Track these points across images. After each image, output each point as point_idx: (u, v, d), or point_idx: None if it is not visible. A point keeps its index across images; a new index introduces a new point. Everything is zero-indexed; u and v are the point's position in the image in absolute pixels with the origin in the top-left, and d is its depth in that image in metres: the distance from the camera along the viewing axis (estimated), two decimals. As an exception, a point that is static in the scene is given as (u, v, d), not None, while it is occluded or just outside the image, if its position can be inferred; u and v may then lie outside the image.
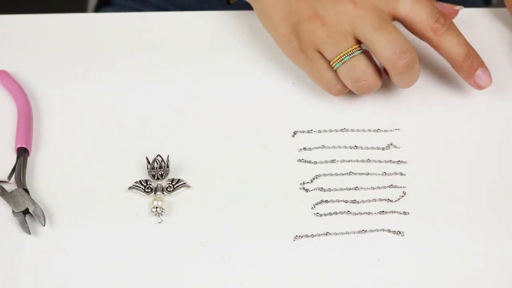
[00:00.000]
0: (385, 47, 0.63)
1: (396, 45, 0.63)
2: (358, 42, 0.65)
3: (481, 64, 0.67)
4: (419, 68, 0.66)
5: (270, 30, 0.69)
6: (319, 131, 0.69)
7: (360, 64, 0.65)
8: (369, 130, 0.69)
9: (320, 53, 0.66)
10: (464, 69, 0.67)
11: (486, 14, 0.73)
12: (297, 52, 0.67)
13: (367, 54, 0.66)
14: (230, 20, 0.77)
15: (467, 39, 0.66)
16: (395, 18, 0.66)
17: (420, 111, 0.70)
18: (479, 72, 0.67)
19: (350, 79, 0.65)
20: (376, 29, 0.64)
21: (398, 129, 0.69)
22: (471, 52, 0.66)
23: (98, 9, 0.95)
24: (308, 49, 0.66)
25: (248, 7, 0.72)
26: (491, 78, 0.67)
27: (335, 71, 0.66)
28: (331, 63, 0.65)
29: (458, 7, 0.71)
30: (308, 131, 0.68)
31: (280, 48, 0.69)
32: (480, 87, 0.68)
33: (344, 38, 0.65)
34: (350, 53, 0.65)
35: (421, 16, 0.65)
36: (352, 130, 0.69)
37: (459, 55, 0.66)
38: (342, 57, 0.65)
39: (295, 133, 0.68)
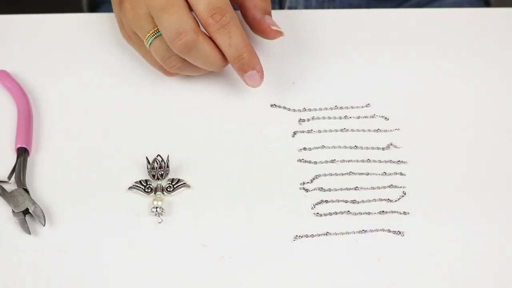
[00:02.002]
0: (165, 28, 0.64)
1: (174, 25, 0.63)
2: None
3: (254, 66, 0.66)
4: (210, 50, 0.65)
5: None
6: (319, 131, 0.69)
7: (163, 44, 0.65)
8: (369, 130, 0.69)
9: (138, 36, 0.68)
10: (235, 68, 0.67)
11: (486, 14, 0.73)
12: (127, 38, 0.70)
13: None
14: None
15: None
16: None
17: (420, 111, 0.70)
18: (249, 73, 0.66)
19: (158, 58, 0.66)
20: (161, 10, 0.64)
21: (398, 129, 0.69)
22: (244, 55, 0.65)
23: (98, 8, 0.95)
24: (131, 34, 0.68)
25: None
26: (261, 80, 0.67)
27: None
28: (145, 44, 0.67)
29: (277, 29, 0.69)
30: (308, 131, 0.69)
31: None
32: (250, 86, 0.67)
33: (146, 20, 0.65)
34: (153, 34, 0.65)
35: (198, 8, 0.64)
36: (352, 130, 0.69)
37: (229, 55, 0.66)
38: (148, 39, 0.66)
39: (295, 133, 0.68)
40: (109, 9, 0.93)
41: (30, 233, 0.61)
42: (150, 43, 0.66)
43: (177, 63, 0.66)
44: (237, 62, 0.66)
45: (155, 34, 0.65)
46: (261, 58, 0.73)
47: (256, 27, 0.69)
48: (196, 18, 0.65)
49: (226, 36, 0.65)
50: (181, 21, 0.63)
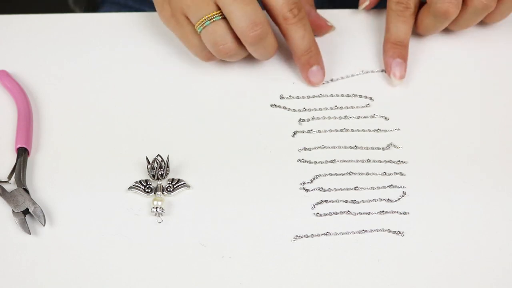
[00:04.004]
0: (239, 17, 0.65)
1: (250, 17, 0.65)
2: (219, 8, 0.66)
3: (318, 62, 0.70)
4: (274, 43, 0.68)
5: None
6: (319, 131, 0.69)
7: (220, 29, 0.66)
8: (369, 130, 0.69)
9: (188, 19, 0.68)
10: (301, 61, 0.70)
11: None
12: (169, 18, 0.69)
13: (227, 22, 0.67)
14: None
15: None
16: None
17: (420, 111, 0.70)
18: (314, 68, 0.70)
19: (210, 42, 0.67)
20: None
21: (398, 129, 0.69)
22: (312, 49, 0.70)
23: (97, 7, 0.95)
24: (177, 14, 0.68)
25: None
26: (323, 77, 0.71)
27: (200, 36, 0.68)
28: (195, 27, 0.67)
29: (330, 24, 0.75)
30: (308, 131, 0.69)
31: (158, 15, 0.71)
32: (311, 82, 0.71)
33: (206, 4, 0.66)
34: (210, 18, 0.66)
35: (278, 1, 0.67)
36: (352, 130, 0.69)
37: (300, 48, 0.69)
38: (203, 22, 0.66)
39: (295, 133, 0.68)
40: (109, 9, 0.93)
41: (30, 233, 0.61)
42: (205, 26, 0.66)
43: (230, 50, 0.67)
44: (305, 55, 0.69)
45: (213, 18, 0.66)
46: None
47: (312, 23, 0.72)
48: (272, 12, 0.68)
49: (301, 29, 0.68)
50: (257, 12, 0.65)
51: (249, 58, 0.72)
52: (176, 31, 0.70)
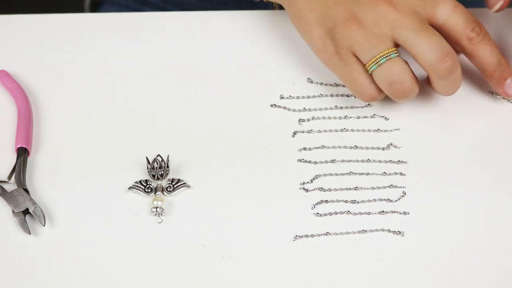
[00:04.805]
0: (426, 49, 0.63)
1: (438, 48, 0.63)
2: (395, 46, 0.65)
3: (511, 73, 0.68)
4: (461, 74, 0.65)
5: (304, 33, 0.68)
6: (319, 131, 0.69)
7: (397, 67, 0.64)
8: (369, 130, 0.69)
9: (355, 56, 0.65)
10: (494, 78, 0.67)
11: (486, 14, 0.73)
12: (332, 56, 0.66)
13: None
14: (231, 20, 0.77)
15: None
16: (432, 24, 0.65)
17: (420, 111, 0.70)
18: (509, 81, 0.68)
19: (386, 82, 0.64)
20: (417, 32, 0.63)
21: (398, 129, 0.69)
22: (502, 62, 0.67)
23: (97, 7, 0.95)
24: (343, 52, 0.65)
25: (270, 7, 0.72)
26: None
27: (370, 75, 0.65)
28: (367, 65, 0.65)
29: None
30: (308, 131, 0.68)
31: (314, 52, 0.68)
32: (508, 96, 0.69)
33: (381, 41, 0.64)
34: (386, 55, 0.64)
35: (458, 24, 0.65)
36: (352, 130, 0.69)
37: (491, 64, 0.67)
38: (379, 59, 0.64)
39: (295, 133, 0.68)
40: (109, 9, 0.93)
41: (30, 233, 0.61)
42: (380, 64, 0.64)
43: (408, 90, 0.64)
44: (498, 69, 0.67)
45: (389, 55, 0.64)
46: (261, 58, 0.73)
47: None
48: (453, 36, 0.65)
49: (488, 45, 0.66)
50: (444, 42, 0.63)
51: (249, 58, 0.72)
52: (339, 69, 0.67)
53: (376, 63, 0.64)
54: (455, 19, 0.65)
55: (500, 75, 0.67)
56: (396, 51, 0.64)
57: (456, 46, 0.66)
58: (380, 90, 0.66)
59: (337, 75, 0.68)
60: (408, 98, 0.66)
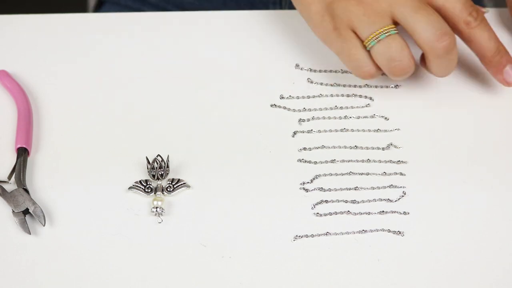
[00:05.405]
0: (425, 28, 0.63)
1: (437, 26, 0.63)
2: (394, 23, 0.64)
3: (511, 60, 0.67)
4: (457, 55, 0.65)
5: (302, 9, 0.68)
6: (319, 131, 0.69)
7: (396, 43, 0.64)
8: (369, 130, 0.69)
9: (354, 32, 0.65)
10: (493, 64, 0.67)
11: (486, 14, 0.73)
12: (330, 31, 0.66)
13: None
14: (231, 20, 0.77)
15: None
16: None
17: (420, 111, 0.70)
18: (508, 68, 0.67)
19: (385, 58, 0.64)
20: (416, 10, 0.63)
21: (398, 129, 0.69)
22: (500, 48, 0.67)
23: (98, 7, 0.95)
24: (342, 27, 0.65)
25: (270, 7, 0.71)
26: None
27: (368, 51, 0.65)
28: (365, 41, 0.64)
29: (484, 9, 0.70)
30: (308, 131, 0.69)
31: (311, 27, 0.68)
32: (508, 84, 0.68)
33: (381, 17, 0.64)
34: (386, 31, 0.64)
35: (456, 7, 0.65)
36: (352, 130, 0.69)
37: (489, 49, 0.66)
38: (378, 35, 0.64)
39: (295, 133, 0.68)
40: (109, 9, 0.93)
41: (30, 233, 0.61)
42: (379, 40, 0.64)
43: (406, 67, 0.64)
44: (496, 55, 0.66)
45: (389, 31, 0.64)
46: (261, 58, 0.73)
47: None
48: (451, 19, 0.65)
49: (485, 30, 0.66)
50: (442, 22, 0.64)
51: (249, 58, 0.72)
52: (337, 45, 0.66)
53: (376, 39, 0.64)
54: (452, 2, 0.65)
55: (498, 61, 0.67)
56: (396, 28, 0.64)
57: (454, 31, 0.66)
58: (377, 67, 0.65)
59: (335, 51, 0.67)
60: (405, 76, 0.65)
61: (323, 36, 0.67)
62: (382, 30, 0.64)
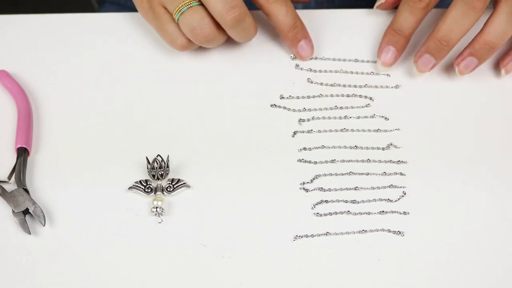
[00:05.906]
0: (216, 1, 0.66)
1: (227, 0, 0.66)
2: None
3: (306, 36, 0.72)
4: (253, 24, 0.69)
5: None
6: (319, 131, 0.69)
7: (197, 14, 0.67)
8: (369, 130, 0.69)
9: (165, 8, 0.69)
10: (288, 38, 0.71)
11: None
12: (147, 10, 0.70)
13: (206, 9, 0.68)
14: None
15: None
16: None
17: (420, 111, 0.70)
18: (302, 43, 0.72)
19: (188, 28, 0.68)
20: None
21: (398, 129, 0.69)
22: (297, 24, 0.71)
23: (98, 7, 0.95)
24: (155, 5, 0.69)
25: None
26: (312, 50, 0.72)
27: (178, 24, 0.68)
28: (173, 15, 0.68)
29: None
30: (308, 131, 0.69)
31: (138, 10, 0.72)
32: (301, 57, 0.72)
33: None
34: (188, 4, 0.67)
35: None
36: (352, 130, 0.69)
37: (285, 24, 0.70)
38: (181, 8, 0.67)
39: (295, 133, 0.68)
40: (109, 9, 0.93)
41: (30, 233, 0.61)
42: (182, 12, 0.67)
43: (208, 35, 0.67)
44: (292, 31, 0.71)
45: (190, 4, 0.67)
46: (261, 58, 0.73)
47: None
48: None
49: (283, 6, 0.70)
50: None
51: (249, 58, 0.72)
52: (153, 22, 0.71)
53: (179, 12, 0.67)
54: None
55: (294, 36, 0.71)
56: (198, 1, 0.67)
57: (257, 5, 0.70)
58: (189, 39, 0.69)
59: (154, 28, 0.71)
60: (212, 43, 0.69)
61: (144, 15, 0.72)
62: (184, 3, 0.67)
